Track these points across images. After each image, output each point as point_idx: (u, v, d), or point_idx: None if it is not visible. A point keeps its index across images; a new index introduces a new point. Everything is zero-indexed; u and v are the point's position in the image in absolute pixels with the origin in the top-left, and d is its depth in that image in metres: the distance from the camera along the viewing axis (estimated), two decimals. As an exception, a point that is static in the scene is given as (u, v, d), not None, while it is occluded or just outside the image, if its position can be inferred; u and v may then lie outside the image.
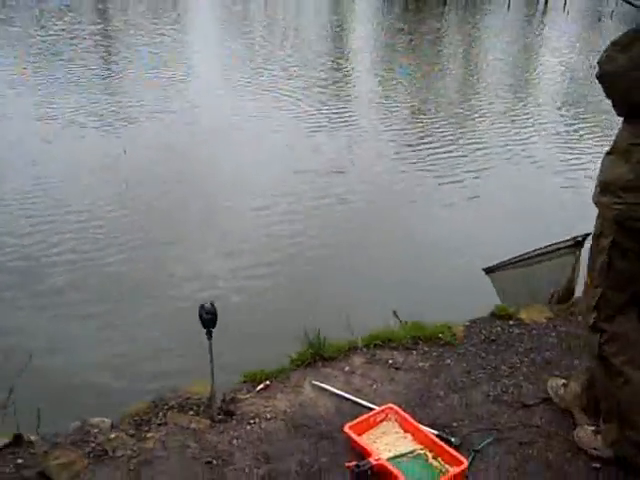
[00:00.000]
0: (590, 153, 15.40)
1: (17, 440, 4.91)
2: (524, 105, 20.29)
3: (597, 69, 3.88)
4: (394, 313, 6.82)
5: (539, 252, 6.65)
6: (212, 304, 4.61)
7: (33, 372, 6.28)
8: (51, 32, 27.18)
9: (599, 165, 4.16)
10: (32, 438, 4.93)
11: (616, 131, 4.06)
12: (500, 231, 10.77)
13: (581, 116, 19.07)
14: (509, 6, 48.79)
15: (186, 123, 15.81)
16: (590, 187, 4.30)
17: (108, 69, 21.46)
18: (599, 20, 45.05)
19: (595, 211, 4.21)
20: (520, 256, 6.72)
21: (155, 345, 7.11)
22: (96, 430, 4.97)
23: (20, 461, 4.66)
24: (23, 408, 5.36)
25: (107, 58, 23.26)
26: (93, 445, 4.77)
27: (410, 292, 8.39)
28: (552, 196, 12.61)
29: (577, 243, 6.38)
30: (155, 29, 28.95)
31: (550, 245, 6.61)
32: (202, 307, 4.60)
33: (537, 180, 13.63)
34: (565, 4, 49.57)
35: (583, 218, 4.65)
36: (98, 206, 11.12)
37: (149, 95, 18.30)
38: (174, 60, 23.11)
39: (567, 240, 6.47)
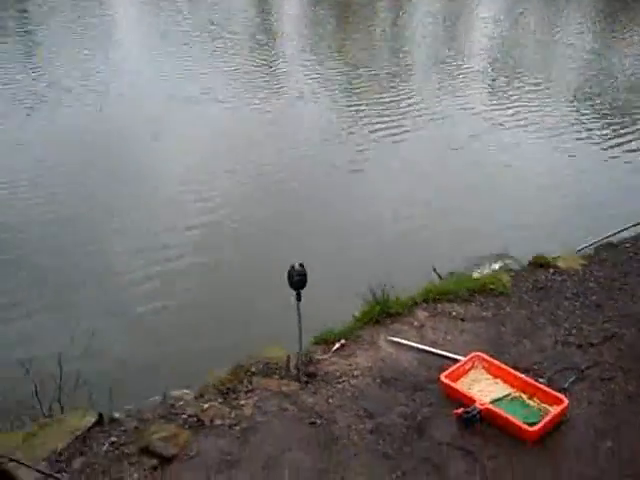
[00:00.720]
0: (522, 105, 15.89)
1: (100, 419, 4.78)
2: (456, 70, 19.87)
3: None
4: (434, 269, 6.88)
5: None
6: (301, 265, 4.54)
7: (95, 353, 6.12)
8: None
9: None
10: (116, 415, 4.80)
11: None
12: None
13: (505, 74, 19.16)
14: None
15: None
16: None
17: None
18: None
19: None
20: None
21: (218, 315, 6.97)
22: (181, 402, 4.88)
23: (114, 439, 4.54)
24: (91, 388, 5.21)
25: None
26: (185, 417, 4.68)
27: (429, 251, 8.45)
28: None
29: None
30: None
31: None
32: (292, 268, 4.53)
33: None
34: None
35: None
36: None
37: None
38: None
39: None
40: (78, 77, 17.04)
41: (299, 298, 4.64)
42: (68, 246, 8.78)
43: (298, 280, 4.55)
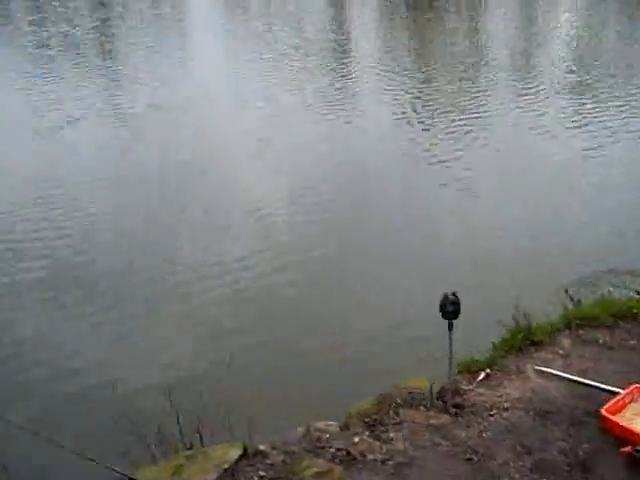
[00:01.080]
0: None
1: (245, 451, 4.72)
2: (546, 80, 19.13)
3: None
4: (566, 292, 6.61)
5: None
6: (455, 294, 4.39)
7: (231, 381, 6.12)
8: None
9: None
10: (261, 448, 4.73)
11: None
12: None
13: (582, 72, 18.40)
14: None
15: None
16: None
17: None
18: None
19: None
20: None
21: (350, 343, 6.87)
22: (326, 435, 4.78)
23: (262, 473, 4.47)
24: (228, 417, 5.15)
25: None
26: (332, 450, 4.57)
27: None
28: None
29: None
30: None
31: None
32: (446, 297, 4.39)
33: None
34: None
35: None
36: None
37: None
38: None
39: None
40: (167, 95, 17.45)
41: (451, 328, 4.49)
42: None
43: (452, 310, 4.41)
